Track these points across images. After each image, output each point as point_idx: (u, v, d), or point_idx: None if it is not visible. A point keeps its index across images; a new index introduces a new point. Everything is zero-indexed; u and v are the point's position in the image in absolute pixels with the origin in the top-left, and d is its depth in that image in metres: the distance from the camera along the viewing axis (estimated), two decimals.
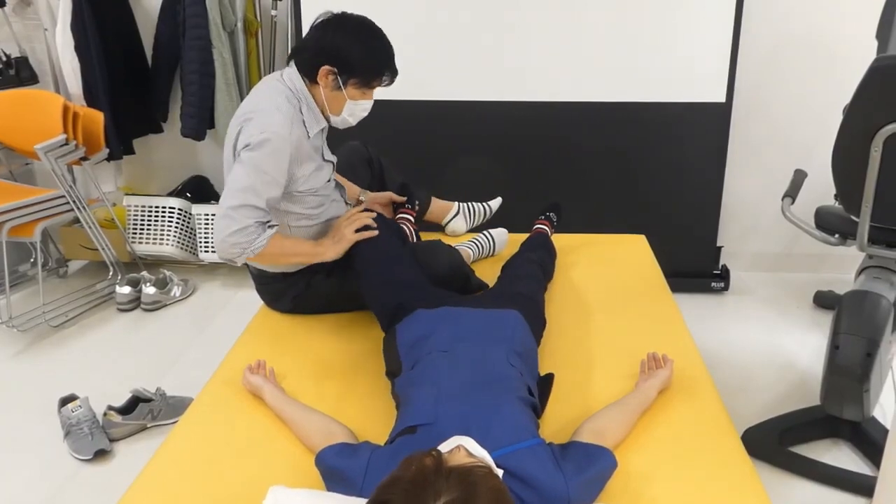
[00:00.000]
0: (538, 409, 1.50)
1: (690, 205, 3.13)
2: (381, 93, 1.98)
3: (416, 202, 2.41)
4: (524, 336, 1.66)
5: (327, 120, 1.96)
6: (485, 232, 2.47)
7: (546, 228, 2.38)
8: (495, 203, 2.56)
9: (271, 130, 1.78)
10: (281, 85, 1.88)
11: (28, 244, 3.52)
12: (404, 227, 2.27)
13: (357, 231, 1.92)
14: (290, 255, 1.94)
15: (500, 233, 2.49)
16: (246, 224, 1.78)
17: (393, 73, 1.91)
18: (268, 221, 1.84)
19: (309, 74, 1.88)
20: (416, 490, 0.96)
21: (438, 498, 0.95)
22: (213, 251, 3.32)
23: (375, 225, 1.94)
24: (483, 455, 1.14)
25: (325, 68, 1.84)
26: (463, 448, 1.14)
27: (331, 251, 1.93)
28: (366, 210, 2.01)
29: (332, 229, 1.99)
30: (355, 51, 1.83)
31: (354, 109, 1.93)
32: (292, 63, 1.92)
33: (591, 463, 1.28)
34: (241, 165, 1.79)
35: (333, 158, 2.07)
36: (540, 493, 1.19)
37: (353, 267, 1.95)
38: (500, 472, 1.14)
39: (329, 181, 2.04)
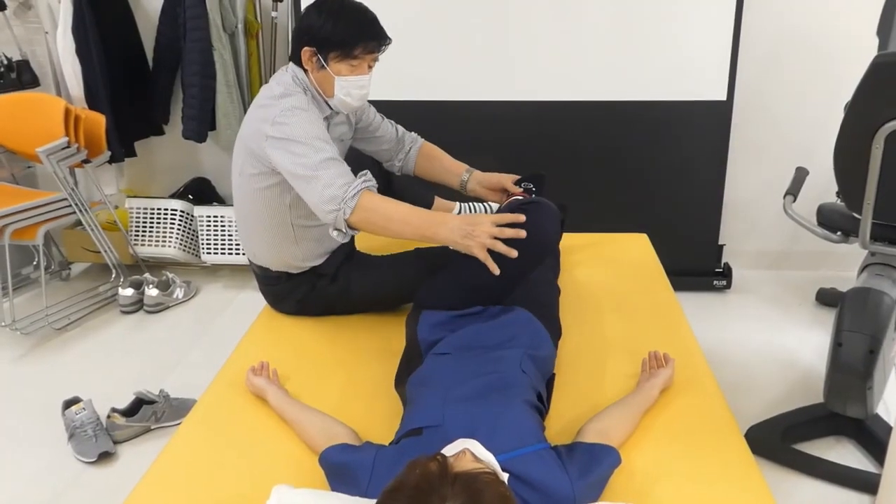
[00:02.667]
0: (544, 413, 1.50)
1: (692, 203, 3.12)
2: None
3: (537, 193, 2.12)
4: (542, 343, 1.65)
5: (330, 107, 1.94)
6: None
7: None
8: (495, 203, 2.56)
9: (289, 105, 1.77)
10: (286, 75, 1.90)
11: (31, 247, 3.52)
12: None
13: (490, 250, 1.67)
14: (398, 221, 1.72)
15: None
16: (332, 175, 1.68)
17: (375, 37, 1.82)
18: (362, 176, 1.73)
19: (298, 63, 1.88)
20: (420, 496, 0.96)
21: (444, 500, 0.95)
22: (215, 252, 3.33)
23: (512, 255, 1.65)
24: (489, 459, 1.13)
25: (305, 50, 1.84)
26: (469, 452, 1.13)
27: (448, 240, 1.70)
28: (515, 225, 1.68)
29: (469, 221, 1.69)
30: (325, 24, 1.80)
31: (348, 87, 1.86)
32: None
33: (597, 464, 1.28)
34: (286, 142, 1.73)
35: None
36: (546, 496, 1.18)
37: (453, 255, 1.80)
38: (505, 477, 1.14)
39: None
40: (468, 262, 1.73)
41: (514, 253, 1.65)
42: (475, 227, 1.66)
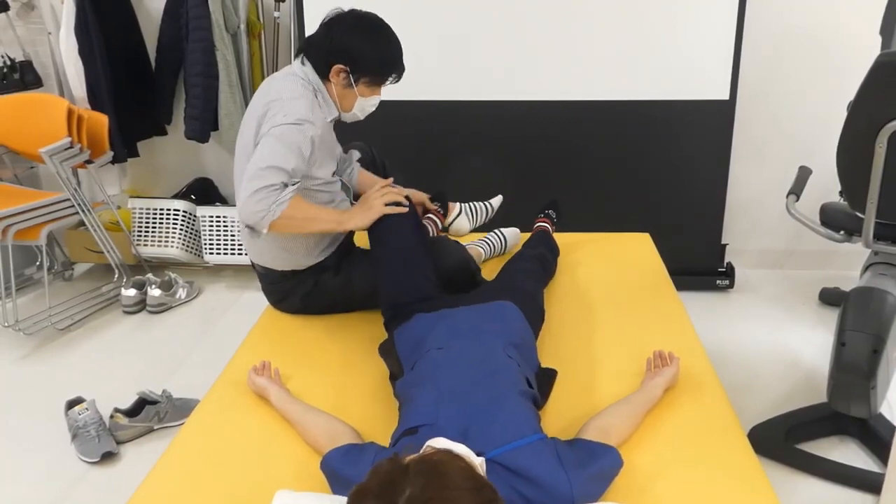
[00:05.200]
0: (538, 401, 1.49)
1: (695, 202, 3.12)
2: (381, 93, 2.01)
3: (445, 211, 2.44)
4: (520, 327, 1.66)
5: (337, 111, 1.98)
6: (496, 231, 2.47)
7: (546, 225, 2.38)
8: (496, 201, 2.56)
9: (297, 112, 1.82)
10: (296, 77, 1.92)
11: (34, 248, 3.53)
12: (429, 226, 2.33)
13: (387, 205, 1.92)
14: (314, 219, 1.88)
15: (511, 232, 2.49)
16: (271, 182, 1.76)
17: (401, 71, 1.95)
18: (294, 184, 1.82)
19: (321, 72, 1.92)
20: (383, 494, 0.96)
21: (403, 493, 0.94)
22: (217, 253, 3.33)
23: (406, 203, 1.94)
24: (450, 446, 1.12)
25: (337, 66, 1.89)
26: (430, 447, 1.13)
27: (357, 219, 1.91)
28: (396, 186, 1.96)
29: (363, 200, 1.96)
30: (367, 51, 1.87)
31: (364, 105, 1.98)
32: (303, 58, 1.95)
33: (595, 459, 1.28)
34: (268, 137, 1.80)
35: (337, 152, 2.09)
36: (543, 488, 1.18)
37: (371, 253, 1.97)
38: (480, 461, 1.13)
39: (335, 179, 2.05)
40: (386, 262, 1.92)
41: (405, 198, 1.96)
42: (368, 199, 1.94)
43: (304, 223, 1.86)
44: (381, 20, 1.91)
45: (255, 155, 1.81)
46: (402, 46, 1.94)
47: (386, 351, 1.75)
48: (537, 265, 2.14)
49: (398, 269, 1.92)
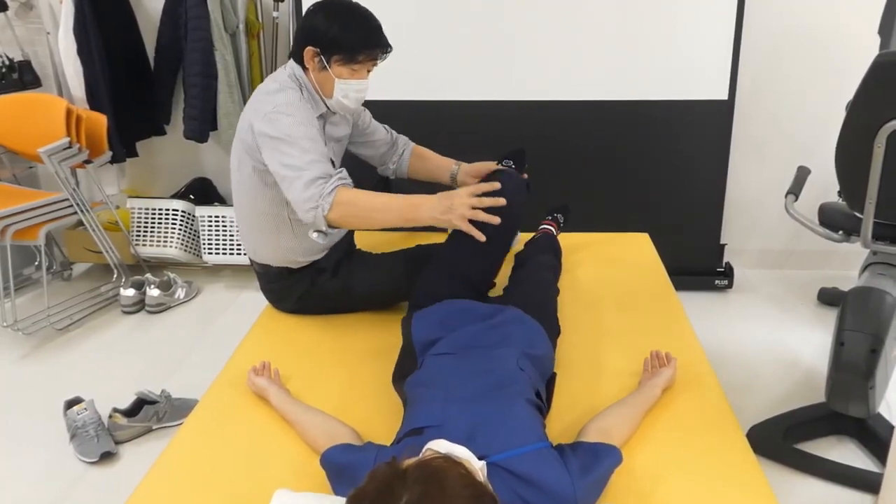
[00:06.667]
0: (544, 411, 1.50)
1: (694, 202, 3.12)
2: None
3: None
4: (539, 341, 1.65)
5: (327, 106, 1.95)
6: None
7: (552, 229, 2.38)
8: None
9: (282, 101, 1.81)
10: (283, 73, 1.92)
11: (32, 247, 3.52)
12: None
13: (470, 221, 1.71)
14: (377, 210, 1.75)
15: None
16: (312, 176, 1.72)
17: (378, 45, 1.86)
18: (338, 174, 1.77)
19: (299, 61, 1.90)
20: (380, 499, 0.95)
21: (400, 500, 0.93)
22: (216, 253, 3.33)
23: (494, 222, 1.71)
24: (452, 449, 1.12)
25: (308, 50, 1.86)
26: (430, 451, 1.12)
27: (429, 218, 1.73)
28: (494, 193, 1.73)
29: (447, 195, 1.75)
30: (333, 27, 1.82)
31: (346, 90, 1.89)
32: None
33: (599, 462, 1.27)
34: (275, 141, 1.77)
35: (331, 155, 2.07)
36: (547, 495, 1.18)
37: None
38: (481, 465, 1.12)
39: None
40: (450, 251, 1.78)
41: (496, 220, 1.69)
42: (453, 201, 1.72)
43: (365, 217, 1.76)
44: (352, 2, 1.87)
45: (276, 156, 1.77)
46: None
47: (405, 325, 1.75)
48: (552, 276, 2.14)
49: (458, 267, 1.81)
